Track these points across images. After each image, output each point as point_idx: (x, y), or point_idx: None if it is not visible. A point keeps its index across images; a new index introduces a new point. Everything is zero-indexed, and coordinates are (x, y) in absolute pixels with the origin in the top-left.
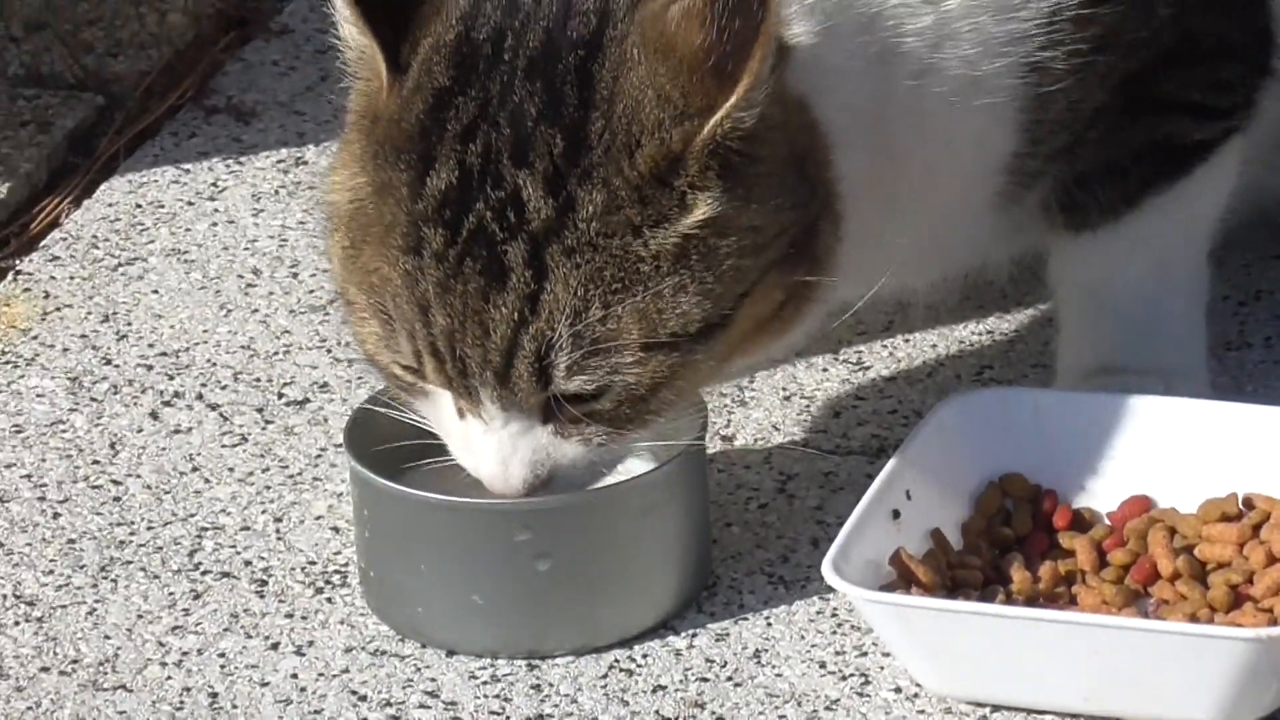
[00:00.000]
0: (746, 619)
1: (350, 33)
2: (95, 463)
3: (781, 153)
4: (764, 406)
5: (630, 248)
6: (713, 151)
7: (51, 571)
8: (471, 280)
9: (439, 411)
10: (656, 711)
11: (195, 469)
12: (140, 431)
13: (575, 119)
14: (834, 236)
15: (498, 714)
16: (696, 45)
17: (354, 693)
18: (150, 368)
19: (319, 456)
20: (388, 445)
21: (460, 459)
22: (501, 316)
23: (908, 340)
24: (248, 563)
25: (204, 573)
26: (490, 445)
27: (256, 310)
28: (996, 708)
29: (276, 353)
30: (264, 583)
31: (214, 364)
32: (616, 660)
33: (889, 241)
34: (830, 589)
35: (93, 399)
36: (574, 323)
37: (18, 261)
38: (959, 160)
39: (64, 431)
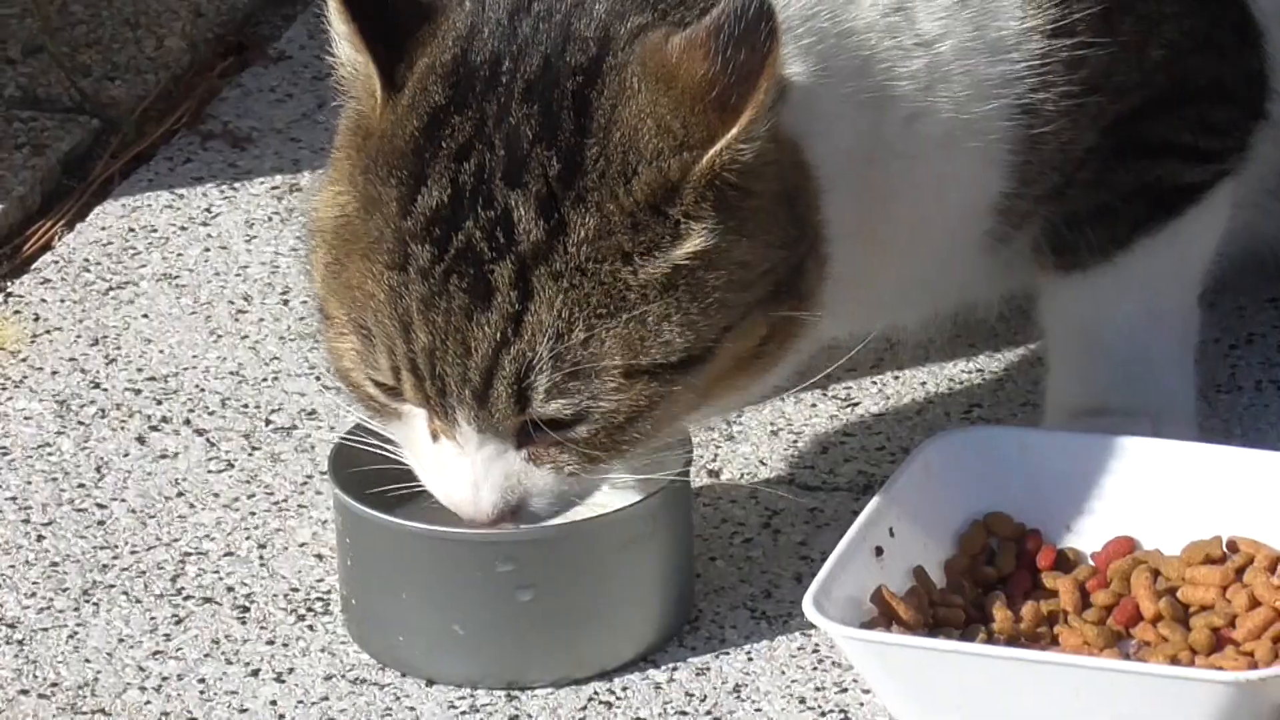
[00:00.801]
0: (728, 653)
1: (346, 50)
2: (81, 486)
3: (774, 189)
4: (751, 441)
5: (619, 274)
6: (709, 183)
7: (34, 594)
8: (456, 298)
9: (411, 434)
10: None
11: (180, 494)
12: (127, 455)
13: (571, 143)
14: (819, 276)
15: None
16: (699, 76)
17: None
18: (138, 392)
19: (305, 484)
20: (374, 474)
21: (429, 485)
22: (484, 335)
23: (897, 377)
24: (230, 589)
25: (186, 598)
26: (463, 468)
27: (246, 336)
28: None
29: (265, 379)
30: (246, 609)
31: (202, 389)
32: (596, 693)
33: (877, 282)
34: (812, 625)
35: (80, 422)
36: (555, 345)
37: (9, 284)
38: (949, 201)
39: (50, 454)
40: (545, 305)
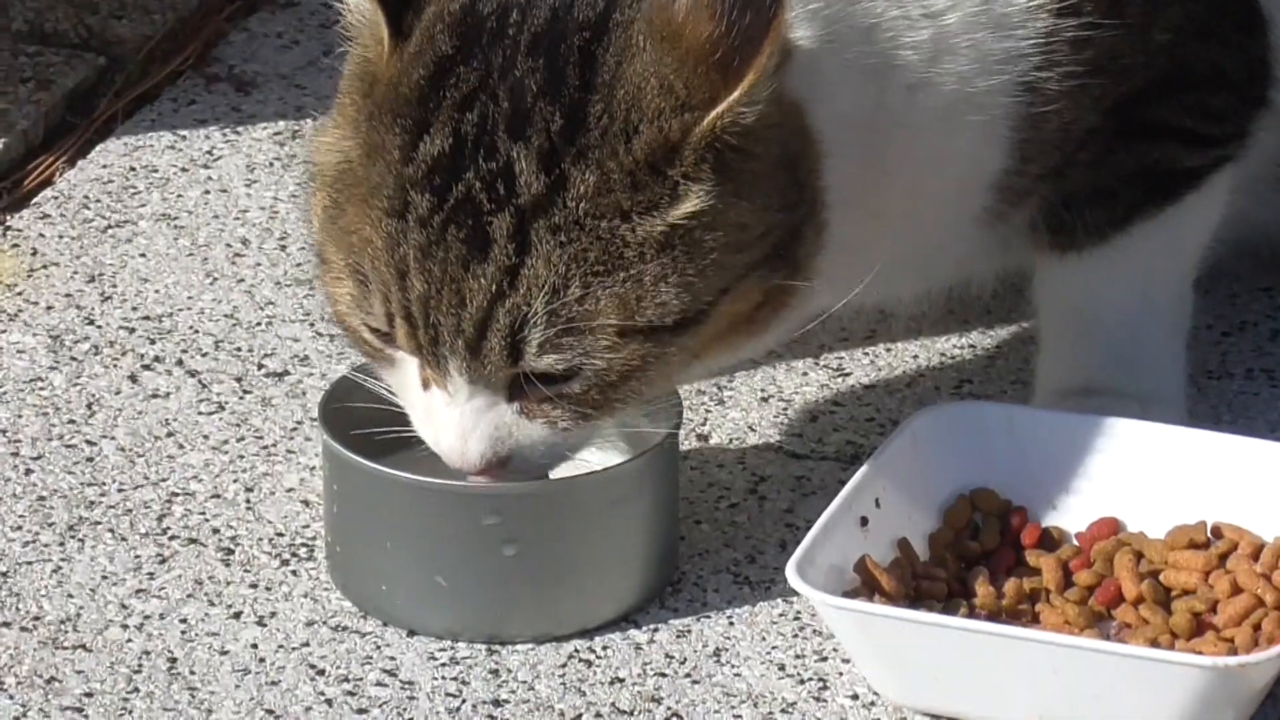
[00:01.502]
0: (709, 617)
1: None
2: (71, 422)
3: (774, 153)
4: (741, 406)
5: (617, 231)
6: (709, 144)
7: (20, 527)
8: (453, 248)
9: (404, 380)
10: (613, 704)
11: (170, 434)
12: (118, 394)
13: (575, 99)
14: (816, 244)
15: (454, 696)
16: (704, 37)
17: (312, 666)
18: (132, 330)
19: (295, 429)
20: (364, 422)
21: (420, 431)
22: (479, 287)
23: (889, 349)
24: (215, 530)
25: (171, 538)
26: (452, 418)
27: (242, 280)
28: None
29: (259, 323)
30: (230, 551)
31: (196, 331)
32: (576, 650)
33: (872, 252)
34: (794, 592)
35: (73, 358)
36: (551, 300)
37: (8, 217)
38: (948, 175)
39: (42, 389)
40: (542, 259)
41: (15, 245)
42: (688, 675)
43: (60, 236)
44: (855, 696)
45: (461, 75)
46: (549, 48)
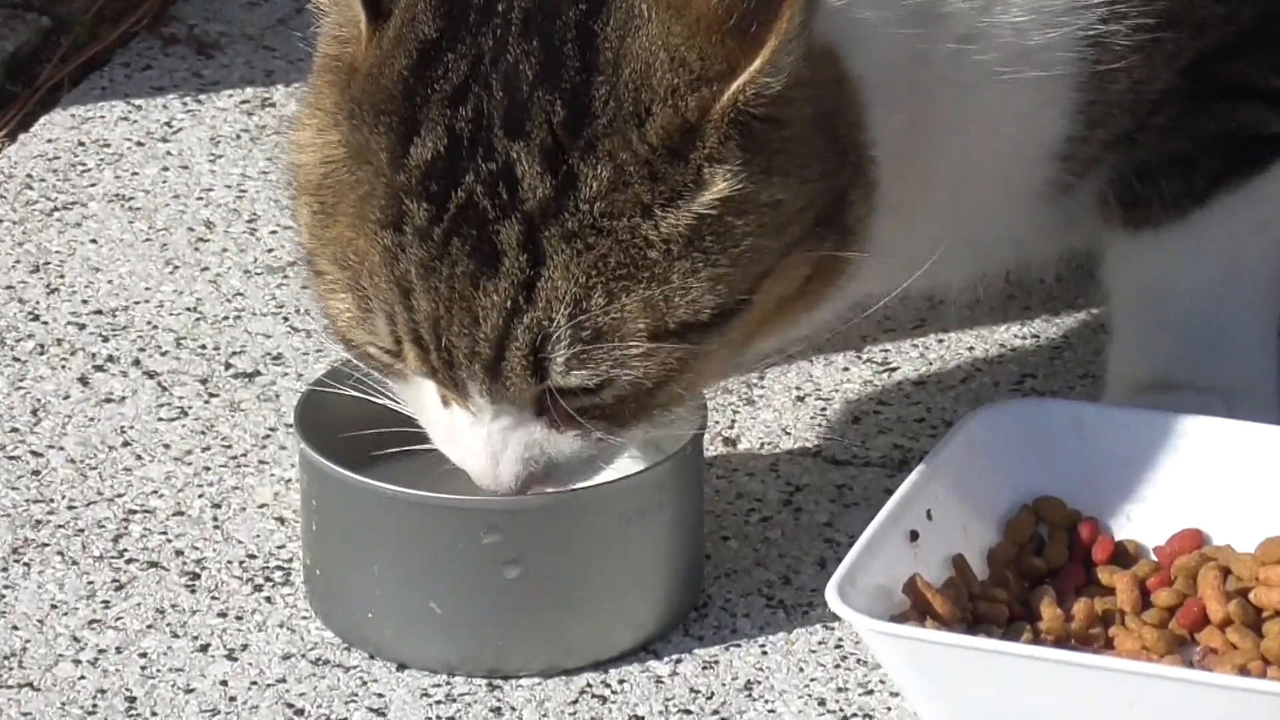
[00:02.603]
0: (739, 645)
1: None
2: (14, 430)
3: (806, 114)
4: (773, 407)
5: (639, 230)
6: (733, 120)
7: None
8: (459, 262)
9: (420, 397)
10: None
11: (126, 444)
12: (67, 398)
13: (577, 83)
14: (866, 206)
15: None
16: (715, 0)
17: (290, 705)
18: (82, 327)
19: (267, 437)
20: (346, 429)
21: (444, 450)
22: (493, 304)
23: (941, 341)
24: (179, 552)
25: (129, 561)
26: (479, 438)
27: (206, 269)
28: None
29: (226, 317)
30: (196, 576)
31: (155, 326)
32: (589, 685)
33: (922, 228)
34: (835, 617)
35: (15, 359)
36: (574, 313)
37: None
38: (1004, 141)
39: None
40: (560, 269)
41: None
42: (715, 712)
43: (0, 221)
44: None
45: (450, 63)
46: (543, 26)
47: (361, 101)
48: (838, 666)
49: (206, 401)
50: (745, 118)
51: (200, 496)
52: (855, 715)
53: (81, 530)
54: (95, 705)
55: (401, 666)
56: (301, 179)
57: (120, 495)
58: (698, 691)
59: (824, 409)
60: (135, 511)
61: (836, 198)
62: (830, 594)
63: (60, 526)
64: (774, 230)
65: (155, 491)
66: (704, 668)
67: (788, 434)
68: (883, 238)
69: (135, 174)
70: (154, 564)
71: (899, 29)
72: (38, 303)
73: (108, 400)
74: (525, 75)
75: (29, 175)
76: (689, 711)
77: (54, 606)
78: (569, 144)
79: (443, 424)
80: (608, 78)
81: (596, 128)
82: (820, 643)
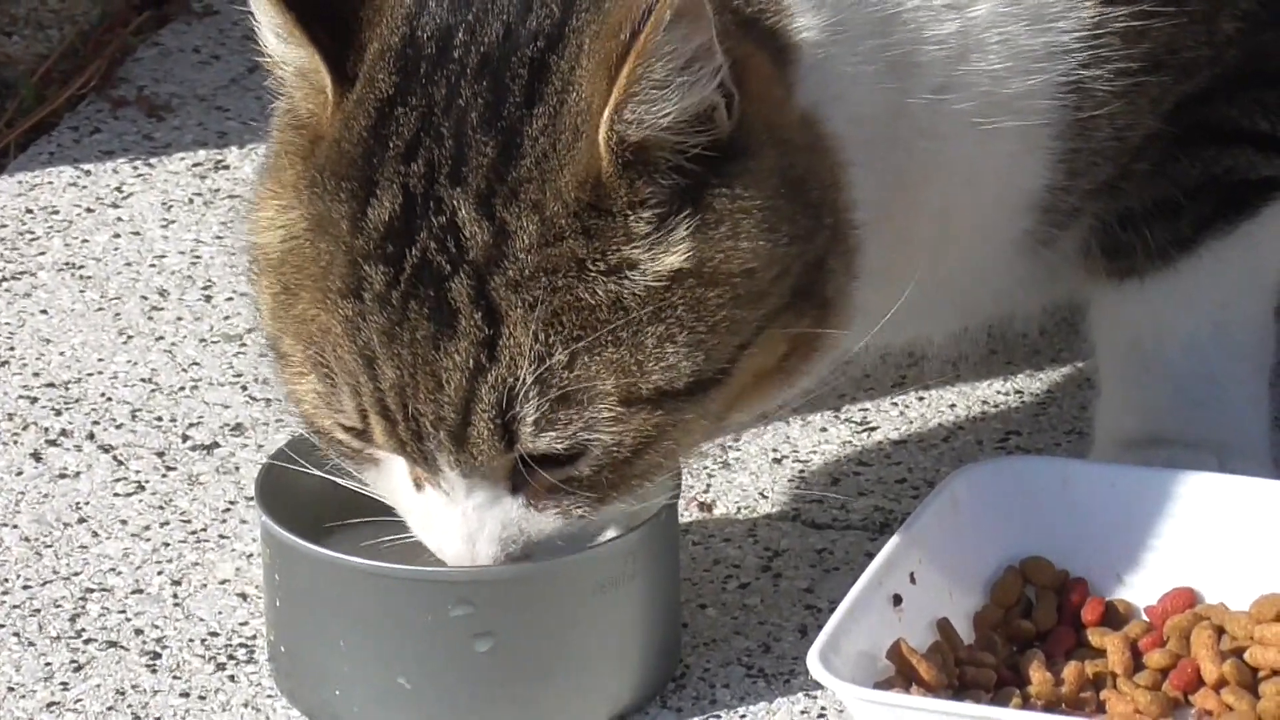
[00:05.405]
0: (719, 717)
1: (280, 46)
2: None
3: (773, 173)
4: (750, 470)
5: (575, 289)
6: (620, 152)
7: None
8: (419, 326)
9: (392, 482)
10: None
11: (82, 520)
12: (19, 474)
13: (513, 118)
14: (847, 276)
15: None
16: (616, 25)
17: None
18: (34, 400)
19: (227, 511)
20: (309, 501)
21: (422, 537)
22: (454, 365)
23: (922, 398)
24: (139, 631)
25: (87, 641)
26: (454, 520)
27: (161, 338)
28: None
29: (182, 388)
30: (157, 655)
31: (109, 399)
32: None
33: (898, 285)
34: (817, 685)
35: None
36: (539, 370)
37: None
38: (982, 193)
39: None
40: (520, 324)
41: None
42: None
43: None
44: None
45: (401, 118)
46: (498, 65)
47: (324, 169)
48: None
49: (164, 475)
50: (637, 150)
51: (160, 573)
52: None
53: (38, 610)
54: None
55: None
56: (262, 260)
57: (77, 573)
58: None
59: (802, 471)
60: (93, 590)
61: (813, 265)
62: (812, 661)
63: (15, 607)
64: (750, 300)
65: (113, 569)
66: None
67: (765, 497)
68: (863, 300)
69: (85, 241)
70: (113, 644)
71: (878, 83)
72: None
73: (62, 475)
74: (471, 119)
75: None
76: None
77: (10, 689)
78: (496, 188)
79: (418, 510)
80: (547, 109)
81: (520, 171)
82: (803, 712)
